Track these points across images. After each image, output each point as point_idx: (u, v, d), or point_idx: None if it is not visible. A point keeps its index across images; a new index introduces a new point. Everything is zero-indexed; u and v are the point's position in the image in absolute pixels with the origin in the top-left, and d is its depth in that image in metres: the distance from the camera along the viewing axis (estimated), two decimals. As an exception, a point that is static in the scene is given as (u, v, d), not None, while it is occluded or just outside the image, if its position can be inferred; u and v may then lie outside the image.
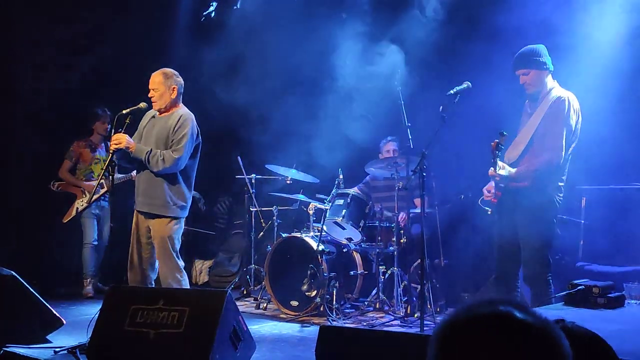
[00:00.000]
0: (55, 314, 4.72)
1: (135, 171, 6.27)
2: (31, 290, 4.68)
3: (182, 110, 5.09)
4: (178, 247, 4.99)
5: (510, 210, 4.55)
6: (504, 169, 4.42)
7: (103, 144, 7.23)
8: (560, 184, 4.52)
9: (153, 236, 4.98)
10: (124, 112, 4.91)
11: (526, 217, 4.46)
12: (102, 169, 7.01)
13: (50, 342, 4.64)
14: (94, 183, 6.97)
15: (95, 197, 6.85)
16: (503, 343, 1.01)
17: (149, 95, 5.06)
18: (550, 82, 4.57)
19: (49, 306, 4.73)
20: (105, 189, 6.82)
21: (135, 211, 5.11)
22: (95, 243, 7.03)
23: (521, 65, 4.56)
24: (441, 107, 4.64)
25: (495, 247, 4.78)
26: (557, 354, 1.03)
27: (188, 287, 5.08)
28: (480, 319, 1.05)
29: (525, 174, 4.44)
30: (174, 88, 5.06)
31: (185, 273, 5.03)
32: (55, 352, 4.30)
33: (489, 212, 4.71)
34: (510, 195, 4.51)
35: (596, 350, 1.17)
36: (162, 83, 5.03)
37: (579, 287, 3.49)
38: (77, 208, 6.94)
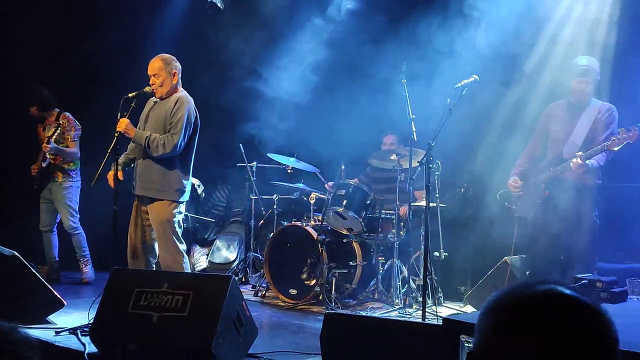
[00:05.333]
0: (56, 295, 4.73)
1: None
2: (33, 270, 4.69)
3: (180, 93, 5.10)
4: (179, 231, 5.00)
5: (564, 204, 4.90)
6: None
7: (54, 119, 6.80)
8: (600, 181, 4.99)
9: (151, 220, 5.00)
10: (129, 95, 4.93)
11: (585, 212, 4.87)
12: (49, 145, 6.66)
13: (51, 322, 4.66)
14: (33, 167, 6.79)
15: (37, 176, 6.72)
16: (556, 319, 1.04)
17: (150, 82, 5.06)
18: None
19: (50, 287, 4.74)
20: (40, 167, 6.64)
21: (135, 196, 5.13)
22: (46, 228, 6.82)
23: (589, 74, 4.97)
24: (448, 99, 4.67)
25: (537, 241, 5.11)
26: (607, 330, 1.06)
27: (189, 271, 5.10)
28: (532, 297, 1.08)
29: (595, 169, 4.82)
30: (174, 73, 5.08)
31: (187, 257, 5.04)
32: (57, 332, 4.30)
33: (513, 208, 5.17)
34: (568, 189, 4.91)
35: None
36: (163, 69, 5.03)
37: (582, 281, 3.53)
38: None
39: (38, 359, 1.17)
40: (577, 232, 4.86)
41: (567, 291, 1.08)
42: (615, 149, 4.63)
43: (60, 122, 6.69)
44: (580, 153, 4.79)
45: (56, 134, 6.48)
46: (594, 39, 5.58)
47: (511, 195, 5.30)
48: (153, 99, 5.19)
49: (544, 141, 5.27)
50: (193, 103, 5.07)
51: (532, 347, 1.04)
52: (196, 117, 5.08)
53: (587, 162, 4.77)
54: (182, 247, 5.03)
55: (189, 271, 5.11)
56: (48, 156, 6.62)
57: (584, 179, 4.90)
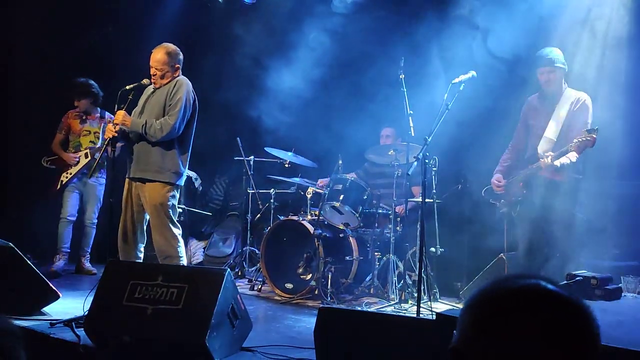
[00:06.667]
0: (51, 287, 4.72)
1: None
2: (28, 262, 4.68)
3: (178, 77, 5.08)
4: (175, 215, 4.99)
5: (541, 201, 4.90)
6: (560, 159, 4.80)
7: (97, 115, 7.00)
8: (582, 176, 5.00)
9: (146, 204, 4.97)
10: (127, 87, 4.94)
11: (562, 208, 4.86)
12: (91, 141, 6.86)
13: (46, 314, 4.65)
14: (73, 155, 6.80)
15: (75, 169, 6.74)
16: (537, 313, 1.03)
17: (151, 72, 5.04)
18: (564, 82, 5.03)
19: (45, 279, 4.74)
20: (86, 160, 6.67)
21: (127, 180, 5.11)
22: (72, 219, 6.83)
23: (549, 64, 4.95)
24: (445, 95, 4.67)
25: (522, 240, 5.12)
26: (589, 324, 1.06)
27: (184, 255, 5.06)
28: (515, 290, 1.07)
29: (567, 165, 4.79)
30: (177, 67, 5.07)
31: (182, 241, 5.03)
32: (52, 324, 4.29)
33: (498, 205, 5.23)
34: (543, 187, 4.90)
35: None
36: (167, 63, 5.01)
37: (577, 278, 3.53)
38: (62, 181, 6.80)
39: (21, 348, 1.16)
40: (556, 230, 4.88)
41: (550, 286, 1.08)
42: (573, 150, 4.65)
43: (107, 120, 6.85)
44: (550, 153, 4.81)
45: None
46: (604, 37, 5.58)
47: (495, 192, 5.32)
48: (150, 88, 5.18)
49: (525, 136, 5.29)
50: (191, 86, 5.06)
51: (512, 342, 1.03)
52: (194, 100, 5.07)
53: (556, 162, 4.77)
54: (178, 231, 5.00)
55: (184, 256, 5.07)
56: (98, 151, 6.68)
57: (557, 176, 4.90)
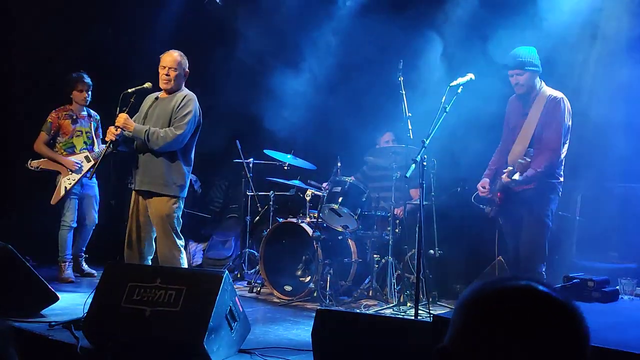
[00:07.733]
0: (50, 289, 4.73)
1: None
2: (27, 264, 4.68)
3: (186, 91, 5.14)
4: (178, 226, 5.03)
5: (517, 211, 4.82)
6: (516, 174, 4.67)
7: (85, 114, 6.71)
8: (560, 179, 4.80)
9: (152, 215, 5.02)
10: (129, 90, 4.97)
11: (531, 215, 4.75)
12: (84, 142, 6.63)
13: (45, 316, 4.65)
14: (73, 158, 6.51)
15: (78, 175, 6.47)
16: (527, 313, 1.04)
17: (162, 73, 5.04)
18: (538, 82, 4.86)
19: (44, 281, 4.74)
20: (89, 164, 6.47)
21: (133, 190, 5.14)
22: (75, 225, 6.53)
23: (517, 66, 4.79)
24: (443, 97, 4.67)
25: (510, 251, 5.05)
26: (578, 326, 1.06)
27: (185, 265, 5.14)
28: (505, 291, 1.08)
29: (533, 176, 4.65)
30: (187, 71, 5.12)
31: (184, 252, 5.07)
32: (50, 326, 4.30)
33: (487, 211, 5.08)
34: (517, 197, 4.79)
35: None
36: (181, 65, 5.07)
37: (574, 280, 3.54)
38: (66, 187, 6.44)
39: (11, 347, 1.16)
40: (526, 236, 4.79)
41: (540, 287, 1.08)
42: (517, 171, 4.55)
43: (96, 119, 6.74)
44: (509, 168, 4.71)
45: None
46: (607, 39, 5.59)
47: (482, 198, 5.24)
48: (153, 95, 5.19)
49: (510, 137, 5.15)
50: (197, 102, 5.10)
51: (500, 343, 1.03)
52: (200, 115, 5.12)
53: (514, 177, 4.63)
54: (181, 242, 5.05)
55: (185, 265, 5.13)
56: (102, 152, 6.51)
57: (527, 186, 4.73)
